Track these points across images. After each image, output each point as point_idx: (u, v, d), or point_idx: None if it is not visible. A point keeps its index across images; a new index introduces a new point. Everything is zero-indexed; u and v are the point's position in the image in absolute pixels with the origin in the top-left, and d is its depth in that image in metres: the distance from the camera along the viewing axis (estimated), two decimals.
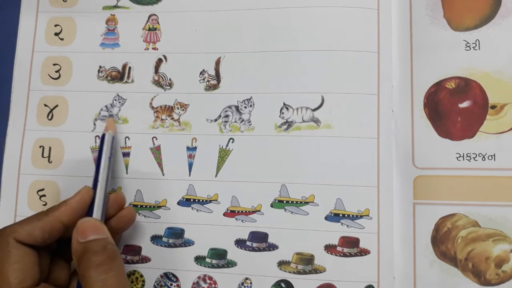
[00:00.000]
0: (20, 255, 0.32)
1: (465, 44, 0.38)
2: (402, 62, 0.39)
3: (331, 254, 0.37)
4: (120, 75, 0.41)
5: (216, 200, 0.39)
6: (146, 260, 0.39)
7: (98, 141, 0.40)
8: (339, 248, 0.37)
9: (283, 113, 0.39)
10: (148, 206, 0.39)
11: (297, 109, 0.38)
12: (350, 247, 0.37)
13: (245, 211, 0.38)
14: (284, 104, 0.39)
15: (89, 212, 0.35)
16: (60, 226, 0.33)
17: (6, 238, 0.32)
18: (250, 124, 0.39)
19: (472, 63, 0.38)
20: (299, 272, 0.37)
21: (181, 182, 0.39)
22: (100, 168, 0.36)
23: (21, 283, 0.31)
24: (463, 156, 0.37)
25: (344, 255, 0.37)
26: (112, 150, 0.38)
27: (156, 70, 0.41)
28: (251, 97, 0.39)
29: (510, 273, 0.35)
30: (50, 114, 0.41)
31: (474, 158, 0.37)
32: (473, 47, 0.38)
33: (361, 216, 0.37)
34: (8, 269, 0.31)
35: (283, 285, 0.37)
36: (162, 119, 0.40)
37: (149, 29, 0.41)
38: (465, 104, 0.38)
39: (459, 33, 0.38)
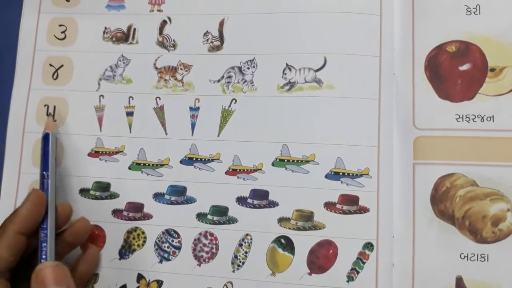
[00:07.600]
0: None
1: (466, 9, 0.39)
2: (404, 26, 0.39)
3: (331, 211, 0.37)
4: (125, 36, 0.42)
5: (218, 159, 0.39)
6: (148, 217, 0.39)
7: (102, 100, 0.41)
8: (338, 206, 0.37)
9: (285, 73, 0.39)
10: (151, 165, 0.40)
11: (300, 69, 0.39)
12: (350, 204, 0.37)
13: (247, 170, 0.39)
14: (287, 64, 0.39)
15: (43, 221, 0.33)
16: (22, 237, 0.32)
17: None
18: (253, 85, 0.40)
19: (472, 27, 0.38)
20: (298, 229, 0.37)
21: (184, 142, 0.40)
22: (48, 171, 0.35)
23: None
24: (463, 118, 0.37)
25: (344, 212, 0.37)
26: (56, 151, 0.37)
27: (161, 32, 0.41)
28: (254, 58, 0.40)
29: (506, 232, 0.36)
30: (56, 74, 0.42)
31: (473, 119, 0.37)
32: (474, 12, 0.39)
33: (361, 175, 0.37)
34: None
35: (282, 241, 0.37)
36: (165, 80, 0.41)
37: None
38: (465, 67, 0.38)
39: None
